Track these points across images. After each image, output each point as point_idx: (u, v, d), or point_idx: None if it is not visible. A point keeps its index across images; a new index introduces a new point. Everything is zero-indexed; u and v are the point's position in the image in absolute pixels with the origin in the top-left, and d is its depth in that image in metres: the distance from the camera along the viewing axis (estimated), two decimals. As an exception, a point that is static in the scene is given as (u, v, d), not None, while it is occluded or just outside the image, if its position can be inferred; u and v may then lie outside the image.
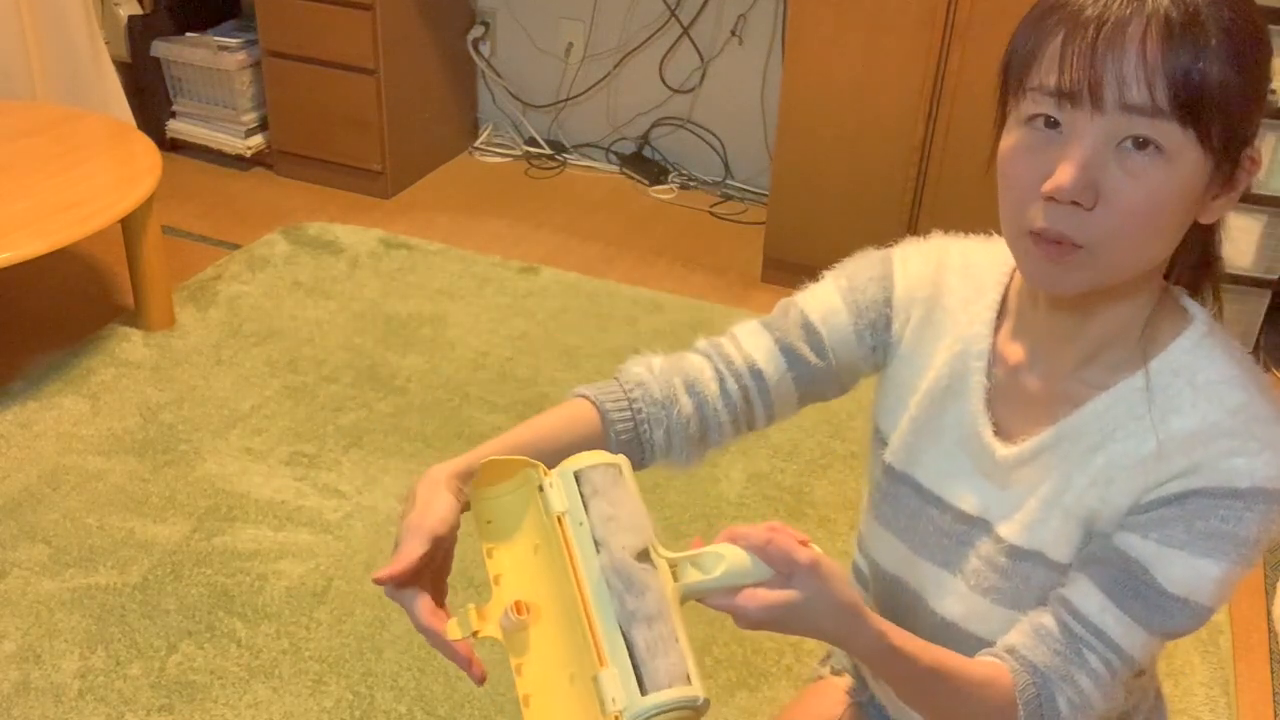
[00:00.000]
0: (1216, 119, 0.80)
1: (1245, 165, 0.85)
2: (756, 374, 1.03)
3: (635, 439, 0.99)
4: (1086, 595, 0.91)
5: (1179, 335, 0.91)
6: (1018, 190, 0.85)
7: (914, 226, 2.78)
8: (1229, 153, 0.83)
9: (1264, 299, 2.63)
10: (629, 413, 0.98)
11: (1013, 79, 0.86)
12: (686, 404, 1.01)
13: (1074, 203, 0.82)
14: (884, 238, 1.13)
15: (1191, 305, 0.93)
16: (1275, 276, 2.59)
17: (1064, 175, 0.81)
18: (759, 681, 1.86)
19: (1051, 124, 0.83)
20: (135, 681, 1.78)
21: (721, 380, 1.03)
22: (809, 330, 1.03)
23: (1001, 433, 0.97)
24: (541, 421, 0.96)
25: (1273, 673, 1.91)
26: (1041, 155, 0.83)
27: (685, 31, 3.37)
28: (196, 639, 1.86)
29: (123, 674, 1.79)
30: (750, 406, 1.04)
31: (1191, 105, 0.79)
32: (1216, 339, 0.91)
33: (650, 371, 1.02)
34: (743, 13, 3.28)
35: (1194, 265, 0.94)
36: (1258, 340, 2.71)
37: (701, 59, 3.40)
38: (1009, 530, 0.96)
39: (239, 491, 2.18)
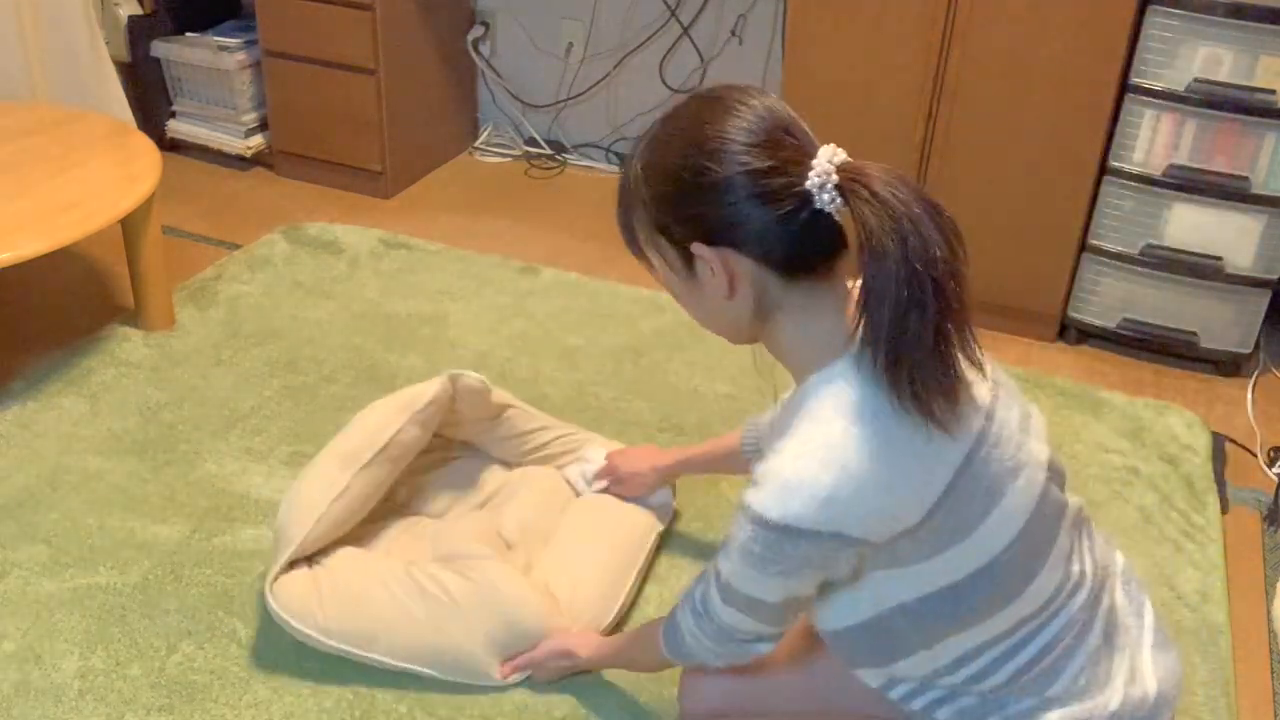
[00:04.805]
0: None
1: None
2: None
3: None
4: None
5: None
6: None
7: (914, 226, 2.77)
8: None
9: (1264, 299, 2.63)
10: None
11: None
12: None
13: None
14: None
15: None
16: (1275, 276, 2.59)
17: None
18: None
19: None
20: (135, 681, 1.78)
21: None
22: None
23: None
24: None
25: (1273, 673, 1.91)
26: None
27: (685, 31, 3.38)
28: (196, 639, 1.86)
29: (123, 674, 1.79)
30: None
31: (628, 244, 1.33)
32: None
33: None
34: (743, 13, 3.28)
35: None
36: (1257, 340, 2.71)
37: (701, 59, 3.40)
38: None
39: (239, 491, 2.18)
